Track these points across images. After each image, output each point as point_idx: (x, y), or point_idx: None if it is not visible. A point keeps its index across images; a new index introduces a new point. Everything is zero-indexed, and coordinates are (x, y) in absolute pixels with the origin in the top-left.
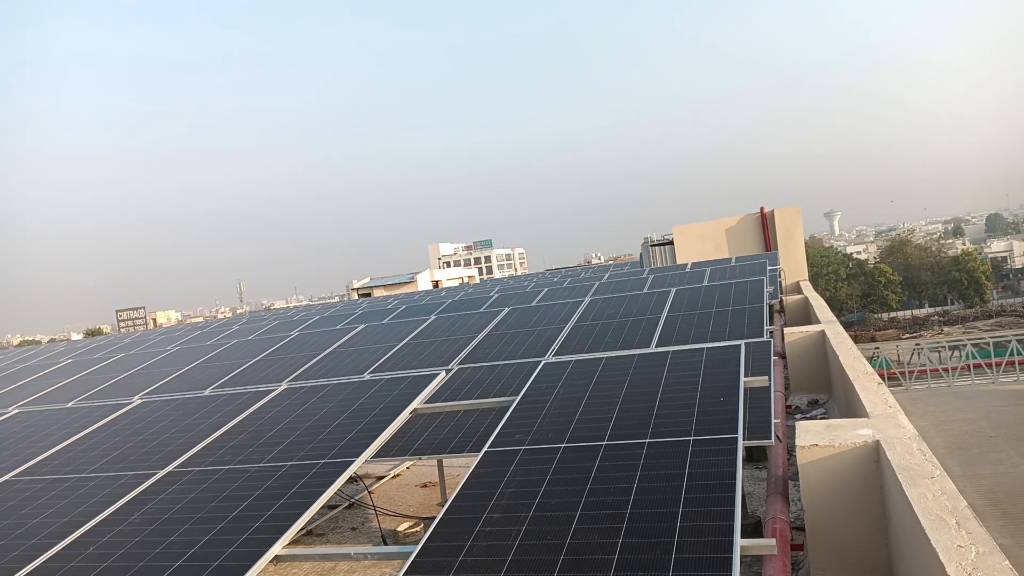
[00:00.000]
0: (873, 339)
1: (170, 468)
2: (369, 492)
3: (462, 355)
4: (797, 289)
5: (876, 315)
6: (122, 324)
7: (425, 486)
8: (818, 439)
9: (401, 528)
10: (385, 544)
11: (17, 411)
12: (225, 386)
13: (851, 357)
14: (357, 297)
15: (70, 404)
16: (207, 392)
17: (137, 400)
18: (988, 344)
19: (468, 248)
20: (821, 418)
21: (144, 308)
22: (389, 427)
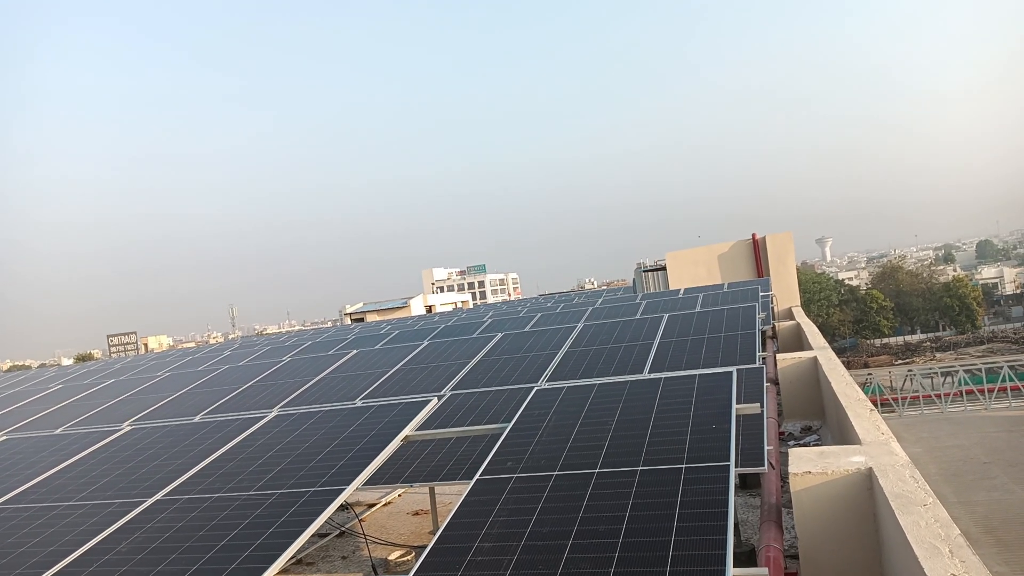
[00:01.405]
0: (866, 365)
1: (158, 496)
2: (360, 520)
3: (454, 381)
4: (789, 315)
5: (868, 341)
6: (113, 349)
7: (417, 514)
8: (811, 466)
9: (392, 557)
10: (376, 574)
11: (5, 438)
12: (216, 412)
13: (843, 383)
14: (350, 322)
15: (59, 431)
16: (197, 419)
17: (127, 427)
18: (980, 370)
19: (462, 273)
20: (814, 445)
21: (136, 333)
22: (380, 454)
